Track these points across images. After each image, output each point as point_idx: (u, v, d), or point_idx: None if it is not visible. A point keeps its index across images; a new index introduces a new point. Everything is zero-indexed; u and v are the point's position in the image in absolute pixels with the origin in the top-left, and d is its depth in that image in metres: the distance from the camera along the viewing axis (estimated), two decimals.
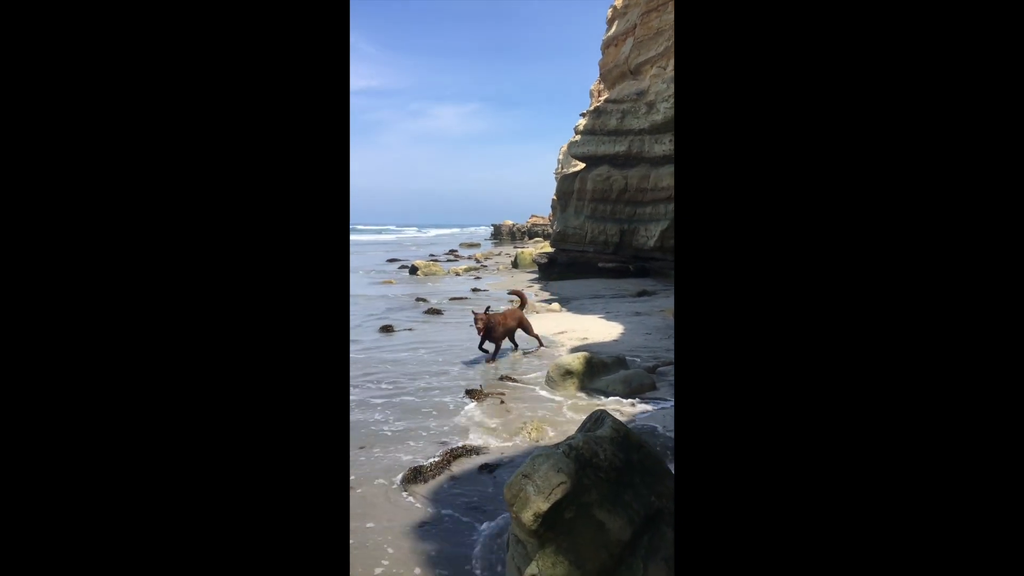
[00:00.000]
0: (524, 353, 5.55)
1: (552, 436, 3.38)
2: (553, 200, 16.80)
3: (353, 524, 2.45)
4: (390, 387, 4.41)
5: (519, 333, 5.66)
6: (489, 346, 5.33)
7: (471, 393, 4.14)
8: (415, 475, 2.82)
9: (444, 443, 3.29)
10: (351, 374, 4.71)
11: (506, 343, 5.57)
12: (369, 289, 11.22)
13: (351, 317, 7.64)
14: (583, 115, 15.35)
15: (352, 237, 41.47)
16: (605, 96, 16.40)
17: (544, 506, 1.55)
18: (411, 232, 62.84)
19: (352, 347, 5.88)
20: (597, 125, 14.38)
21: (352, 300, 9.42)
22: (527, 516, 1.55)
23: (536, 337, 5.71)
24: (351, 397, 4.10)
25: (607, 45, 15.87)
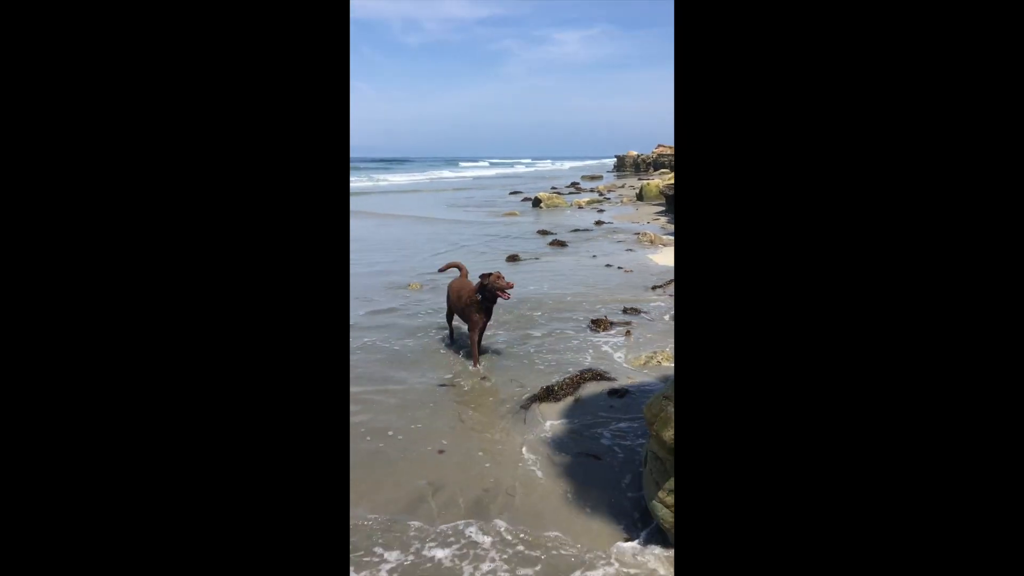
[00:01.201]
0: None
1: None
2: None
3: (485, 434, 2.66)
4: (513, 317, 4.58)
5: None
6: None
7: (597, 323, 4.19)
8: (547, 393, 2.96)
9: (570, 370, 3.39)
10: None
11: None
12: (493, 222, 11.50)
13: (475, 247, 7.94)
14: None
15: (475, 172, 42.30)
16: None
17: None
18: (534, 165, 62.60)
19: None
20: None
21: (477, 233, 9.75)
22: (668, 435, 1.58)
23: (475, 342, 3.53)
24: None
25: None
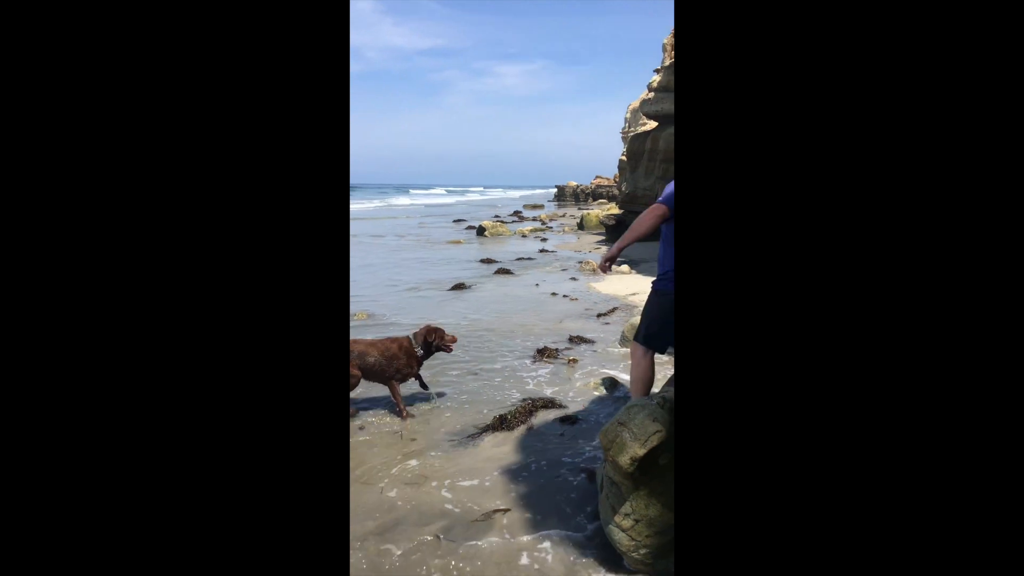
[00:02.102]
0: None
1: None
2: (621, 160, 16.31)
3: (443, 466, 2.63)
4: (464, 343, 4.58)
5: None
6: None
7: (541, 352, 4.24)
8: (500, 423, 2.96)
9: (523, 399, 3.41)
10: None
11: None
12: (438, 249, 11.49)
13: (422, 274, 7.89)
14: (657, 71, 14.68)
15: (416, 200, 42.17)
16: None
17: (641, 451, 1.62)
18: (475, 194, 63.19)
19: (425, 303, 6.11)
20: (673, 82, 13.76)
21: (422, 260, 9.70)
22: (624, 460, 1.62)
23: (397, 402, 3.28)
24: None
25: None
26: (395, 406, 3.21)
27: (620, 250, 2.33)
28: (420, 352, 3.29)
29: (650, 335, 2.42)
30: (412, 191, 66.68)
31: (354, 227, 16.64)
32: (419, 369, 3.35)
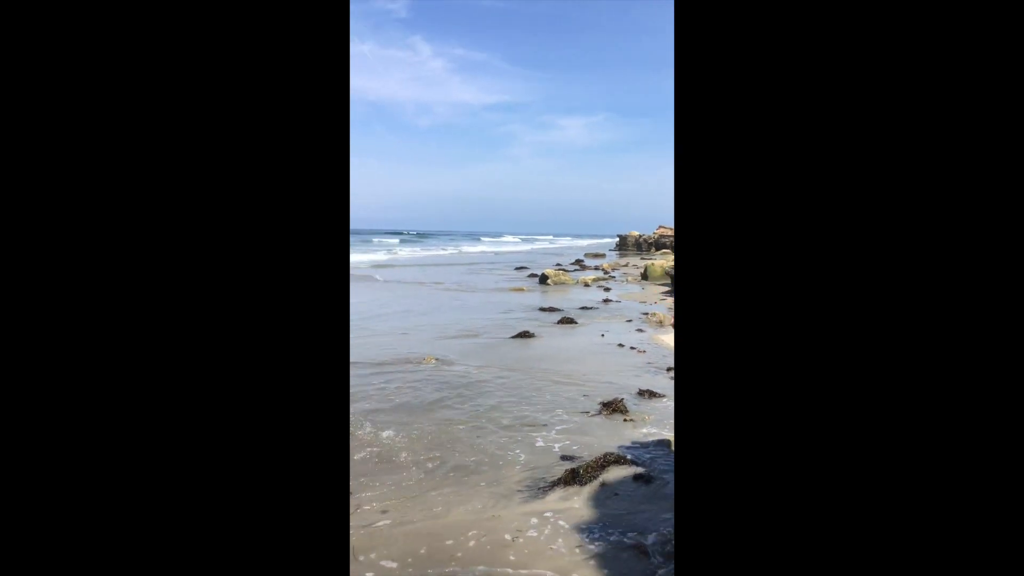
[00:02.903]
0: None
1: None
2: None
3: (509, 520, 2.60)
4: (530, 394, 4.56)
5: None
6: None
7: (608, 405, 4.16)
8: (572, 477, 2.91)
9: (596, 455, 3.34)
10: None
11: None
12: (501, 296, 11.63)
13: (486, 321, 8.00)
14: None
15: (487, 247, 43.10)
16: None
17: None
18: (544, 242, 64.08)
19: (490, 351, 6.17)
20: None
21: (487, 306, 9.85)
22: None
23: None
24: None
25: None
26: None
27: None
28: None
29: None
30: (483, 238, 68.79)
31: (421, 274, 17.20)
32: None
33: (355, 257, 23.68)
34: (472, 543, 2.38)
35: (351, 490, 2.80)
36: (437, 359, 5.66)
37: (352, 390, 4.47)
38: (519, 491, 2.86)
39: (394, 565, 2.22)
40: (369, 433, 3.60)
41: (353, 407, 4.06)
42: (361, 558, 2.26)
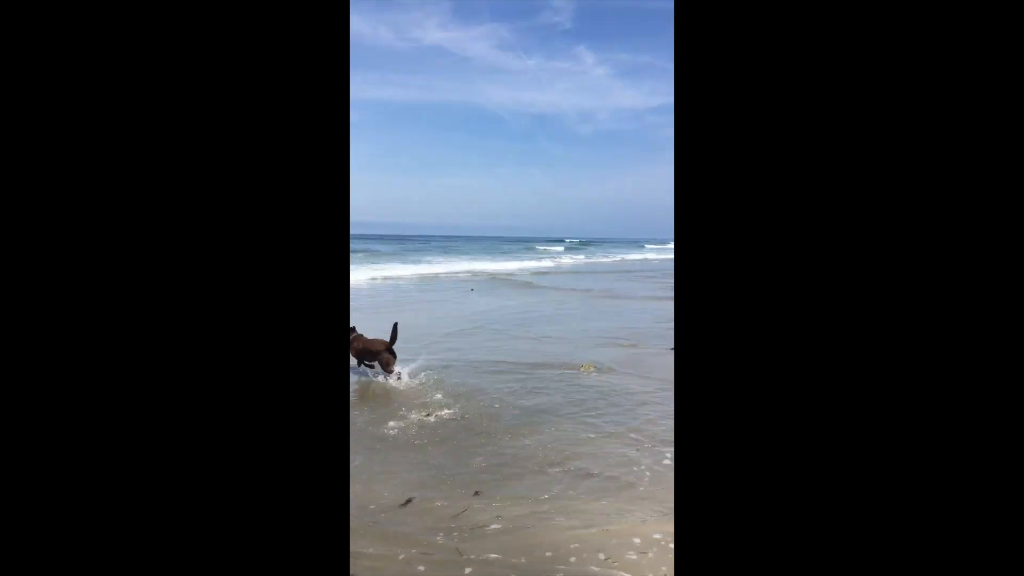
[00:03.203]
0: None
1: None
2: None
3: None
4: None
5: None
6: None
7: None
8: None
9: None
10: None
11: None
12: (654, 304, 11.21)
13: (639, 328, 7.74)
14: None
15: (642, 255, 41.97)
16: None
17: None
18: None
19: (649, 359, 5.95)
20: None
21: (640, 314, 9.56)
22: None
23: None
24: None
25: None
26: None
27: None
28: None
29: None
30: (647, 245, 67.49)
31: (576, 280, 17.34)
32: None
33: (516, 264, 24.77)
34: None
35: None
36: (596, 366, 5.63)
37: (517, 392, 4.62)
38: None
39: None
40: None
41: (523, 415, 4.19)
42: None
